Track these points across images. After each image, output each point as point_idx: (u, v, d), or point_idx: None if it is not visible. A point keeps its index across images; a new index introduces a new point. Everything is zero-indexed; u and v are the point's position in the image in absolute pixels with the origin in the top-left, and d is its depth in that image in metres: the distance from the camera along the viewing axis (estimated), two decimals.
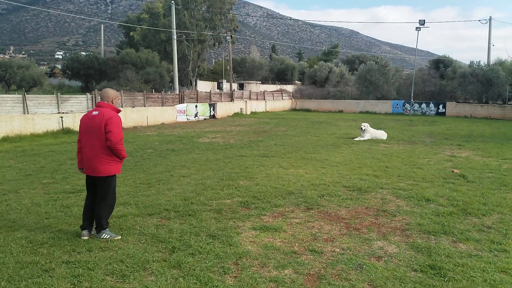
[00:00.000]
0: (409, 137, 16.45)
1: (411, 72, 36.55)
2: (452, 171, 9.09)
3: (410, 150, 12.68)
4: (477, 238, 4.96)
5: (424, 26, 32.31)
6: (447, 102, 32.21)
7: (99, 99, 5.00)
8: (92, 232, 4.98)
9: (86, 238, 4.85)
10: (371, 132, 15.49)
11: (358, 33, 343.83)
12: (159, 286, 3.69)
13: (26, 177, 8.64)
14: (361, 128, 15.48)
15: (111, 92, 5.04)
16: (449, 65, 36.39)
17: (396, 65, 43.49)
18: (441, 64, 37.19)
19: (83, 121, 4.93)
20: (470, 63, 35.07)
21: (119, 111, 5.02)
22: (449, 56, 39.42)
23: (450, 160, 10.84)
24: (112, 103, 4.98)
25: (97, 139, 4.74)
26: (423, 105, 32.94)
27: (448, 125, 22.65)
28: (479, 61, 34.80)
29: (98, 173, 4.81)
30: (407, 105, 33.59)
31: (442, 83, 35.25)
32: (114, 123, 4.76)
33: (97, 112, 4.81)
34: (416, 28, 32.53)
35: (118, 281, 3.83)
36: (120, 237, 4.88)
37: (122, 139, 4.88)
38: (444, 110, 31.78)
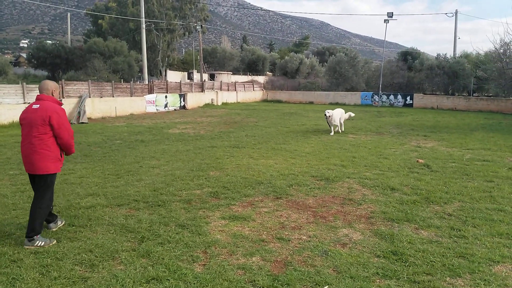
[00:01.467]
0: (377, 128, 16.86)
1: (380, 64, 37.26)
2: (417, 161, 9.43)
3: (377, 140, 13.02)
4: (438, 225, 5.19)
5: (392, 18, 32.90)
6: (414, 94, 33.05)
7: (38, 92, 4.65)
8: (59, 223, 4.89)
9: (55, 229, 4.79)
10: (338, 114, 14.64)
11: (329, 24, 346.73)
12: (128, 275, 3.71)
13: None
14: (326, 115, 14.21)
15: (50, 84, 4.71)
16: (417, 57, 37.26)
17: (366, 57, 44.26)
18: (409, 56, 38.04)
19: (23, 116, 4.56)
20: (437, 55, 35.98)
21: (61, 103, 4.70)
22: (417, 48, 40.32)
23: (416, 150, 11.21)
24: (53, 95, 4.64)
25: (38, 133, 4.42)
26: (391, 97, 33.72)
27: (415, 116, 23.31)
28: (446, 54, 35.74)
29: (37, 170, 4.47)
30: (376, 97, 34.31)
31: (410, 75, 36.11)
32: (61, 118, 4.48)
33: (38, 105, 4.47)
34: (385, 20, 33.08)
35: (87, 271, 3.83)
36: (55, 241, 4.50)
37: (73, 134, 4.67)
38: (411, 102, 32.63)
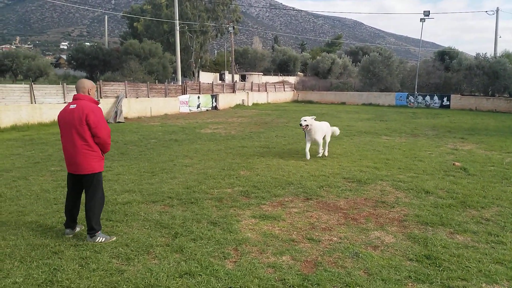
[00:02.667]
0: (412, 129, 16.48)
1: (416, 64, 36.32)
2: (454, 164, 9.16)
3: (412, 142, 12.74)
4: (474, 230, 5.05)
5: (429, 17, 32.04)
6: (451, 95, 32.03)
7: (75, 92, 4.62)
8: (76, 230, 4.78)
9: (70, 236, 4.67)
10: (322, 128, 10.00)
11: (363, 24, 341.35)
12: (162, 269, 3.84)
13: (35, 165, 8.83)
14: (301, 124, 9.58)
15: (86, 83, 4.67)
16: (454, 57, 36.08)
17: (401, 57, 43.20)
18: (446, 56, 36.88)
19: (60, 116, 4.54)
20: (476, 55, 34.69)
21: (97, 102, 4.67)
22: (455, 47, 39.11)
23: (452, 153, 10.89)
24: (89, 94, 4.61)
25: (77, 134, 4.40)
26: (427, 98, 32.82)
27: (452, 118, 22.61)
28: (485, 53, 34.41)
29: (83, 170, 4.47)
30: (411, 98, 33.48)
31: (447, 75, 35.00)
32: (98, 117, 4.44)
33: (75, 105, 4.44)
34: (421, 19, 32.25)
35: (123, 264, 3.99)
36: (115, 238, 4.59)
37: (109, 133, 4.61)
38: (448, 103, 31.65)
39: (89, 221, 4.50)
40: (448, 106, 31.50)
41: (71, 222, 4.71)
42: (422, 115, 24.33)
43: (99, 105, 4.71)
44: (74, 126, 4.39)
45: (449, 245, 4.57)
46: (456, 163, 9.24)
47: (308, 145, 9.87)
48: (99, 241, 4.46)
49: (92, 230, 4.49)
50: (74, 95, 4.63)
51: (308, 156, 9.66)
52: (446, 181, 7.60)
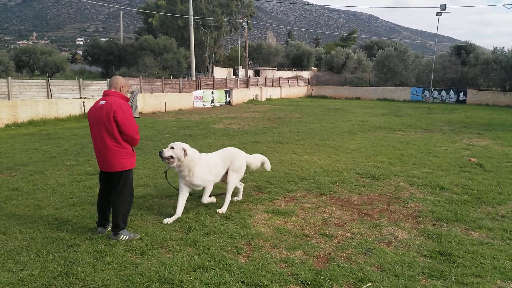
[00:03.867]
0: (427, 125, 16.28)
1: (432, 59, 35.77)
2: (469, 160, 9.04)
3: (427, 138, 12.59)
4: (490, 226, 4.98)
5: (445, 11, 31.48)
6: (468, 90, 31.51)
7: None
8: (108, 228, 4.65)
9: (102, 234, 4.59)
10: (213, 163, 5.57)
11: (378, 18, 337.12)
12: (175, 263, 3.88)
13: (51, 159, 8.99)
14: (162, 155, 5.06)
15: (120, 80, 4.57)
16: (471, 52, 35.44)
17: (416, 51, 42.54)
18: (463, 51, 36.21)
19: (90, 113, 4.49)
20: (494, 49, 34.04)
21: (127, 99, 4.60)
22: (471, 42, 38.33)
23: (468, 149, 10.74)
24: (121, 91, 4.53)
25: (106, 131, 4.31)
26: (443, 93, 32.33)
27: (468, 113, 22.26)
28: (503, 47, 33.75)
29: (112, 168, 4.41)
30: (426, 93, 33.02)
31: (464, 70, 34.44)
32: (126, 114, 4.34)
33: (104, 101, 4.37)
34: (437, 13, 31.72)
35: (137, 257, 4.05)
36: (139, 236, 4.52)
37: (137, 129, 4.49)
38: (464, 98, 31.14)
39: (115, 219, 4.44)
40: (464, 101, 31.01)
41: (103, 220, 4.65)
42: (438, 110, 24.00)
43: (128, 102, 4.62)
44: (103, 123, 4.31)
45: (464, 241, 4.52)
46: (472, 159, 9.11)
47: (181, 196, 5.29)
48: (123, 239, 4.41)
49: (116, 228, 4.43)
50: (105, 91, 4.58)
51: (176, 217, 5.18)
52: (462, 177, 7.50)
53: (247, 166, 5.88)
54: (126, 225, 4.54)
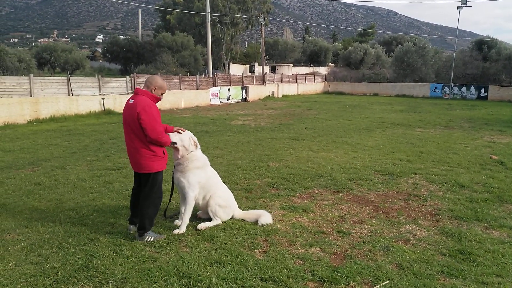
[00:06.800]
0: (447, 121, 15.99)
1: (452, 54, 35.05)
2: (490, 157, 8.87)
3: (447, 135, 12.37)
4: (511, 225, 4.89)
5: (466, 5, 30.79)
6: (489, 86, 30.78)
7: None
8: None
9: (132, 232, 4.53)
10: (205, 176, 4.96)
11: (396, 13, 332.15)
12: (193, 257, 3.93)
13: (72, 155, 9.18)
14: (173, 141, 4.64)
15: (156, 81, 4.37)
16: (493, 47, 34.57)
17: (436, 47, 41.72)
18: (484, 46, 35.35)
19: (123, 111, 4.38)
20: None
21: (158, 99, 4.41)
22: (493, 37, 37.39)
23: (489, 146, 10.53)
24: (152, 92, 4.33)
25: (133, 131, 4.21)
26: (463, 89, 31.68)
27: (489, 109, 21.77)
28: None
29: (141, 169, 4.31)
30: (446, 89, 32.41)
31: (485, 66, 33.63)
32: (149, 116, 4.12)
33: (133, 100, 4.25)
34: (458, 7, 31.04)
35: (156, 252, 4.11)
36: (165, 236, 4.43)
37: (161, 132, 4.29)
38: (486, 94, 30.43)
39: (142, 220, 4.34)
40: (485, 98, 30.31)
41: (134, 217, 4.58)
42: (458, 107, 23.54)
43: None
44: (129, 122, 4.21)
45: (484, 240, 4.44)
46: (493, 156, 8.93)
47: (183, 213, 4.79)
48: (148, 240, 4.32)
49: (142, 229, 4.33)
50: (135, 88, 4.48)
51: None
52: (482, 174, 7.36)
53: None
54: (151, 227, 4.44)
